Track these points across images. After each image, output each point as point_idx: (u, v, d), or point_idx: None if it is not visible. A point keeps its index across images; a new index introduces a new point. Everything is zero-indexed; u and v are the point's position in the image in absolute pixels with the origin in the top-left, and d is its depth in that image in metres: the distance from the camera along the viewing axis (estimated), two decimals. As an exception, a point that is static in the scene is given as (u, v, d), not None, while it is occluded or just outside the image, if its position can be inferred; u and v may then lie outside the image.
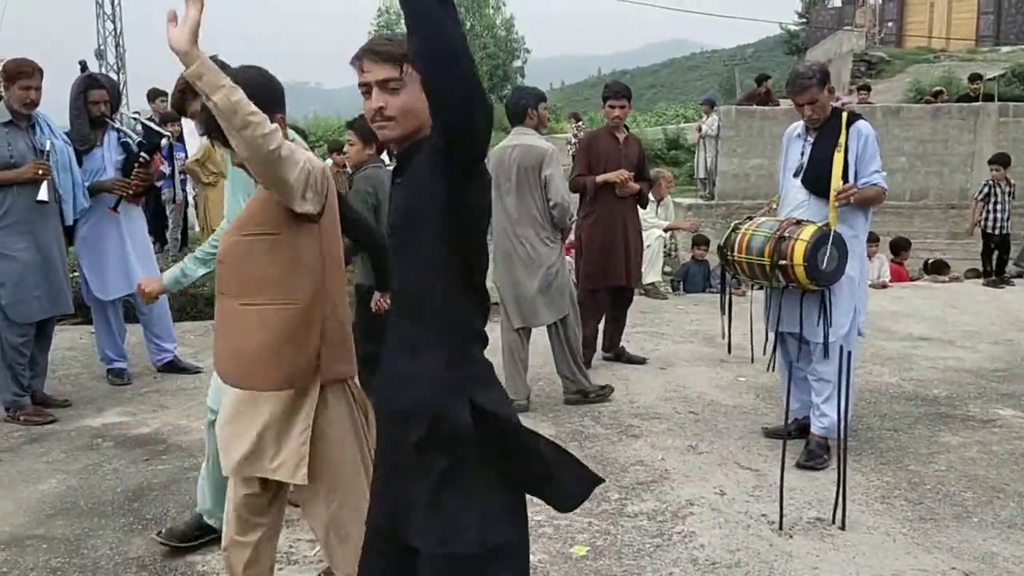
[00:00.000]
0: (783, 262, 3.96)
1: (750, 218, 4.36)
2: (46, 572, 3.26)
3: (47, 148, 4.91)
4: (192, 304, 7.98)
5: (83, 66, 5.99)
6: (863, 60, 24.76)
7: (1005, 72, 20.95)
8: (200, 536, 3.39)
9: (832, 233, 3.97)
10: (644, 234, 8.96)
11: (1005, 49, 24.94)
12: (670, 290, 9.49)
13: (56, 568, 3.29)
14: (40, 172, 4.80)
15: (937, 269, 10.89)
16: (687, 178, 17.60)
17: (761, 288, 4.50)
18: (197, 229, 10.42)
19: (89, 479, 4.14)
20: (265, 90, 2.39)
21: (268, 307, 2.36)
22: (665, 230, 9.38)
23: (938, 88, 17.07)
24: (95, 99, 5.30)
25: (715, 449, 4.55)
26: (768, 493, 3.92)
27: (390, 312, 2.02)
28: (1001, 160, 10.12)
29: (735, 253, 4.22)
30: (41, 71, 4.88)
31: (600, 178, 5.81)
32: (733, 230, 4.30)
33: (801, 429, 4.52)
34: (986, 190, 10.05)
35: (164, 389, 5.59)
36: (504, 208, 5.12)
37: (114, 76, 22.32)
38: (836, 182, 4.13)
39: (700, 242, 10.00)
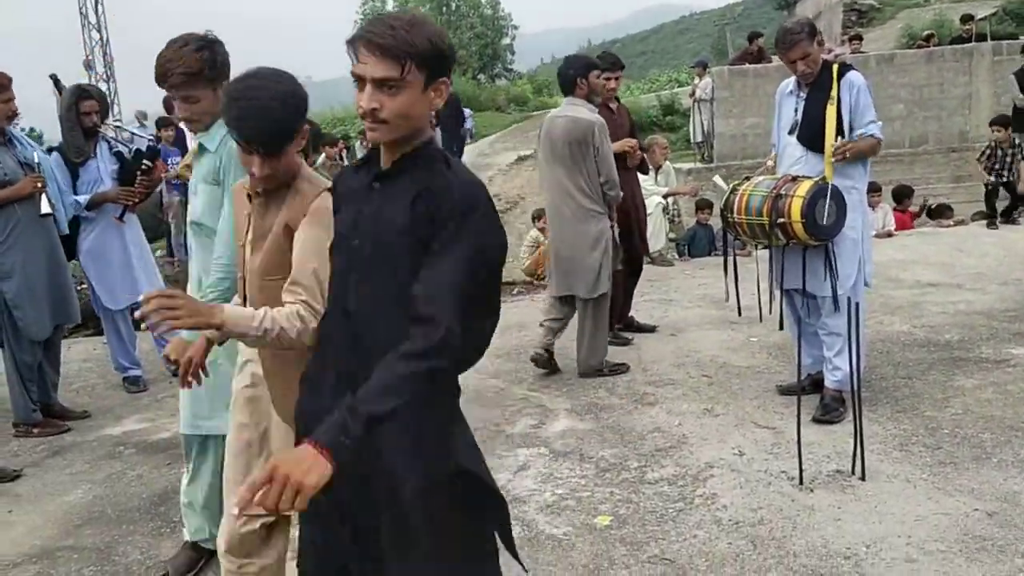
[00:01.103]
0: (781, 220, 3.96)
1: (748, 178, 4.35)
2: (80, 581, 3.31)
3: (36, 161, 4.90)
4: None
5: (55, 80, 5.99)
6: (853, 9, 24.55)
7: (996, 11, 20.76)
8: (200, 560, 3.30)
9: (828, 187, 3.97)
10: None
11: (996, -13, 24.67)
12: (676, 256, 9.49)
13: (89, 576, 3.34)
14: (38, 186, 4.80)
15: (940, 213, 10.83)
16: (684, 143, 17.52)
17: (765, 248, 4.51)
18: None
19: (114, 487, 4.18)
20: (289, 121, 2.24)
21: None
22: (665, 196, 9.35)
23: (928, 32, 16.93)
24: (86, 110, 5.28)
25: (731, 410, 4.57)
26: (786, 450, 3.94)
27: (332, 333, 1.91)
28: (1002, 121, 9.84)
29: (735, 214, 4.22)
30: (11, 79, 4.84)
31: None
32: (732, 191, 4.29)
33: (815, 384, 4.53)
34: (987, 152, 9.86)
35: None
36: (554, 177, 5.21)
37: (103, 85, 22.31)
38: (830, 136, 4.12)
39: (703, 206, 9.96)
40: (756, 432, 4.25)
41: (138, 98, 10.86)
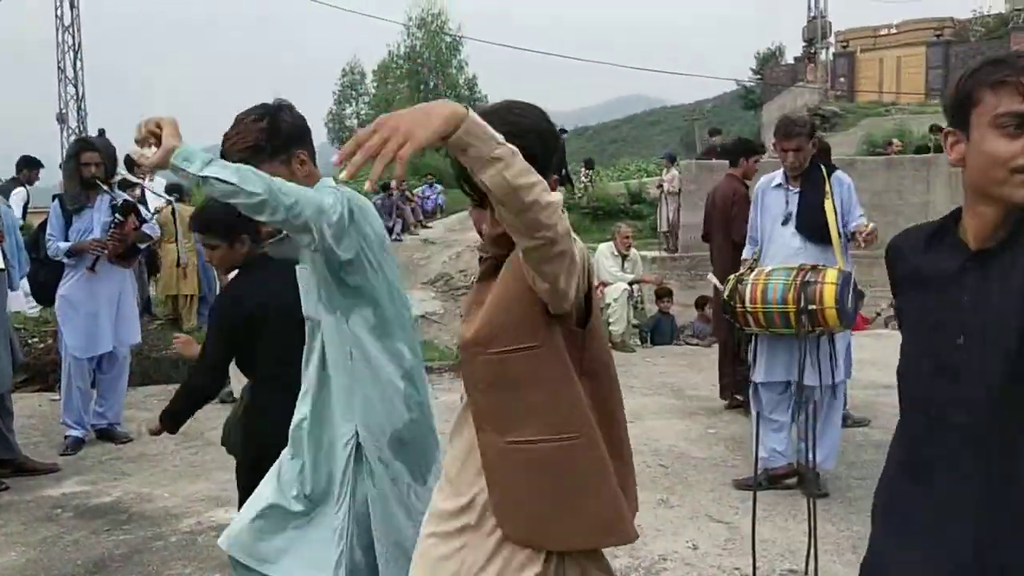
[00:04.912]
0: (812, 307, 3.98)
1: (751, 269, 4.43)
2: (2, 651, 3.16)
3: None
4: (156, 367, 7.85)
5: (101, 132, 6.09)
6: (817, 114, 25.41)
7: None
8: None
9: (850, 275, 4.09)
10: (609, 288, 9.12)
11: (954, 101, 25.71)
12: (638, 343, 9.54)
13: (13, 646, 3.18)
14: None
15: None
16: (651, 231, 17.81)
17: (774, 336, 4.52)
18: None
19: (49, 551, 4.02)
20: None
21: (544, 444, 1.77)
22: (631, 283, 9.46)
23: (892, 138, 17.59)
24: (87, 161, 5.39)
25: (686, 502, 4.54)
26: (740, 546, 3.91)
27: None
28: None
29: (748, 304, 4.19)
30: None
31: None
32: (739, 281, 4.30)
33: (771, 479, 4.54)
34: None
35: (125, 456, 5.48)
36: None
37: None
38: (834, 228, 4.44)
39: (663, 295, 10.08)
40: (711, 526, 4.22)
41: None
